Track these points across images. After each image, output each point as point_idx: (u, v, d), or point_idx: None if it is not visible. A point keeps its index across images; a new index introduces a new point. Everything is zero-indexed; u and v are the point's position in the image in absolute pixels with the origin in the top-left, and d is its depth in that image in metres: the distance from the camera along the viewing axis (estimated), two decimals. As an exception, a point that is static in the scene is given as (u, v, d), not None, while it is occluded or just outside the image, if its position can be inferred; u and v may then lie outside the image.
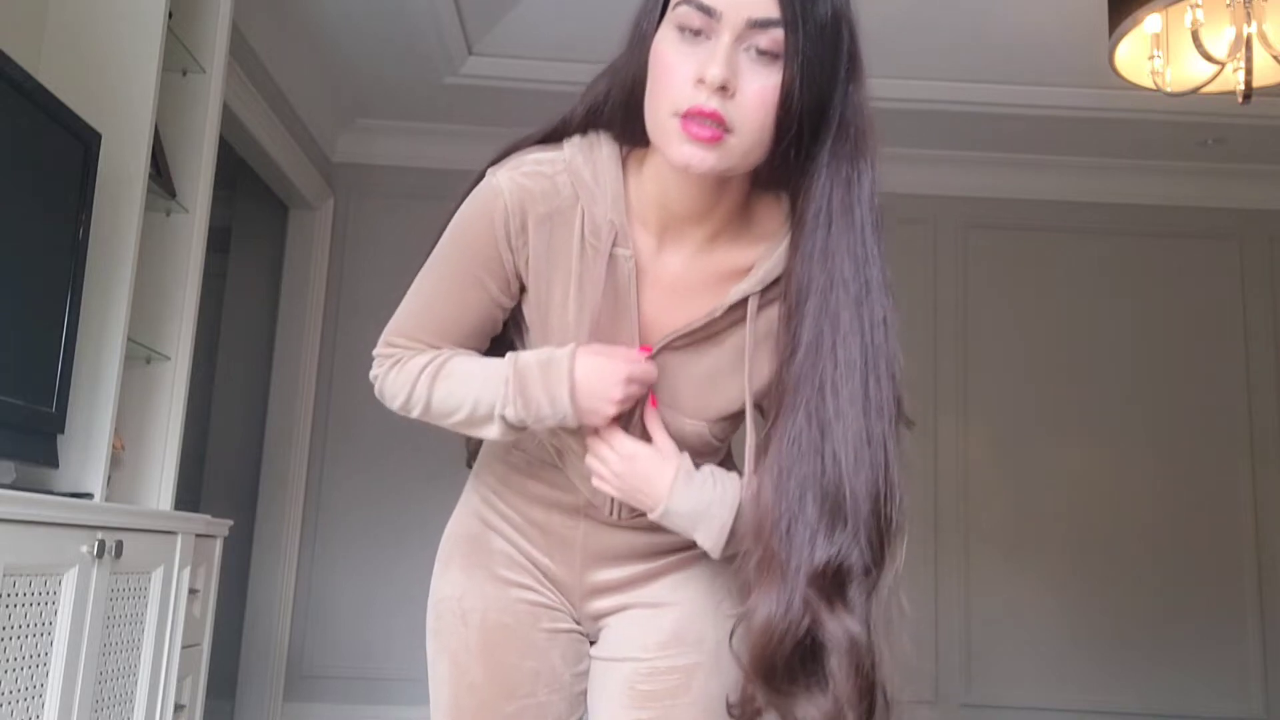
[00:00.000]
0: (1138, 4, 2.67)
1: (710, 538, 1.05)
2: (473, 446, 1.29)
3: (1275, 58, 2.60)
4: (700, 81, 0.94)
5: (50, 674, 1.88)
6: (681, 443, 1.08)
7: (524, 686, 1.15)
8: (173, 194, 2.66)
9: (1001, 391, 4.50)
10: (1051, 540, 4.38)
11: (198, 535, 2.53)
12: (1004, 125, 4.28)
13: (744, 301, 1.06)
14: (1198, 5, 2.54)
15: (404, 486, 4.36)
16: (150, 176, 2.49)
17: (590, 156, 1.09)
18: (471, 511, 1.22)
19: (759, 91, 0.95)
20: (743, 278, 1.07)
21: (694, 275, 1.08)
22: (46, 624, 1.86)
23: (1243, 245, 4.61)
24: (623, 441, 1.06)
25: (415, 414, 1.14)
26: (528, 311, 1.13)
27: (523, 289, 1.12)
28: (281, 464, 4.33)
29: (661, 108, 0.97)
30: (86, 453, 2.33)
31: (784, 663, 0.97)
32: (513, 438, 1.10)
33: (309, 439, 4.37)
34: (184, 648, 2.48)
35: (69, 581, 1.92)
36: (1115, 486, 4.42)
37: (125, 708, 2.21)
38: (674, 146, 0.96)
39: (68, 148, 2.18)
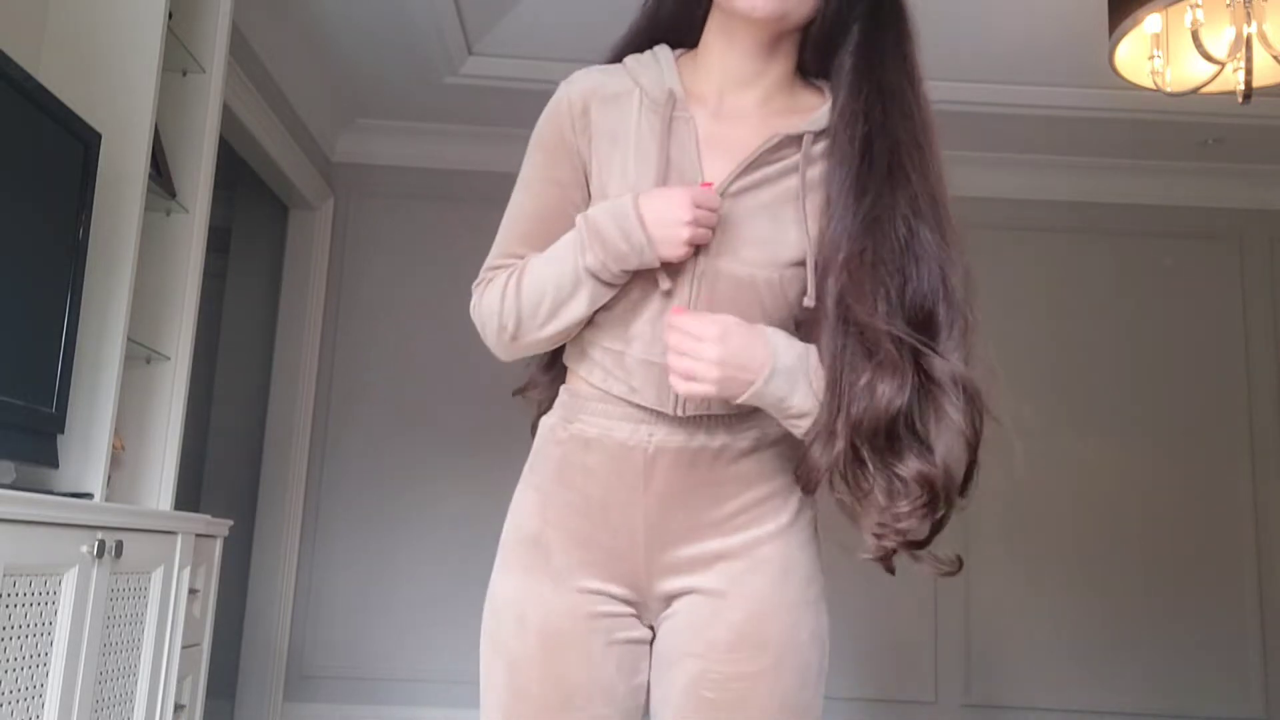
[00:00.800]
0: (1138, 4, 2.67)
1: (809, 395, 1.07)
2: (532, 375, 1.32)
3: (1275, 58, 2.60)
4: None
5: (50, 674, 1.88)
6: (749, 298, 1.12)
7: (579, 698, 1.13)
8: (173, 194, 2.66)
9: (1001, 391, 4.49)
10: (1051, 541, 4.38)
11: (198, 535, 2.53)
12: (1004, 125, 4.27)
13: (798, 140, 1.13)
14: (1198, 5, 2.54)
15: (404, 486, 4.37)
16: (150, 176, 2.49)
17: (645, 58, 1.20)
18: (529, 510, 1.20)
19: None
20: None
21: (752, 140, 1.14)
22: (46, 624, 1.86)
23: (1243, 245, 4.61)
24: (704, 320, 1.07)
25: (510, 327, 1.17)
26: (593, 193, 1.19)
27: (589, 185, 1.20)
28: (281, 464, 4.33)
29: None
30: (86, 453, 2.33)
31: (894, 424, 1.03)
32: (604, 298, 1.12)
33: (309, 439, 4.37)
34: (184, 648, 2.48)
35: (69, 581, 1.92)
36: (1115, 487, 4.42)
37: (125, 708, 2.21)
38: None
39: (68, 148, 2.18)
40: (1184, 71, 2.76)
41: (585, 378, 1.19)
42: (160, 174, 2.62)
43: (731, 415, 1.14)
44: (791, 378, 1.06)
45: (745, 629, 1.12)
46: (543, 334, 1.16)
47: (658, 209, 1.08)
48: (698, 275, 1.12)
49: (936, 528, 1.05)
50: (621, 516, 1.15)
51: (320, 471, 4.37)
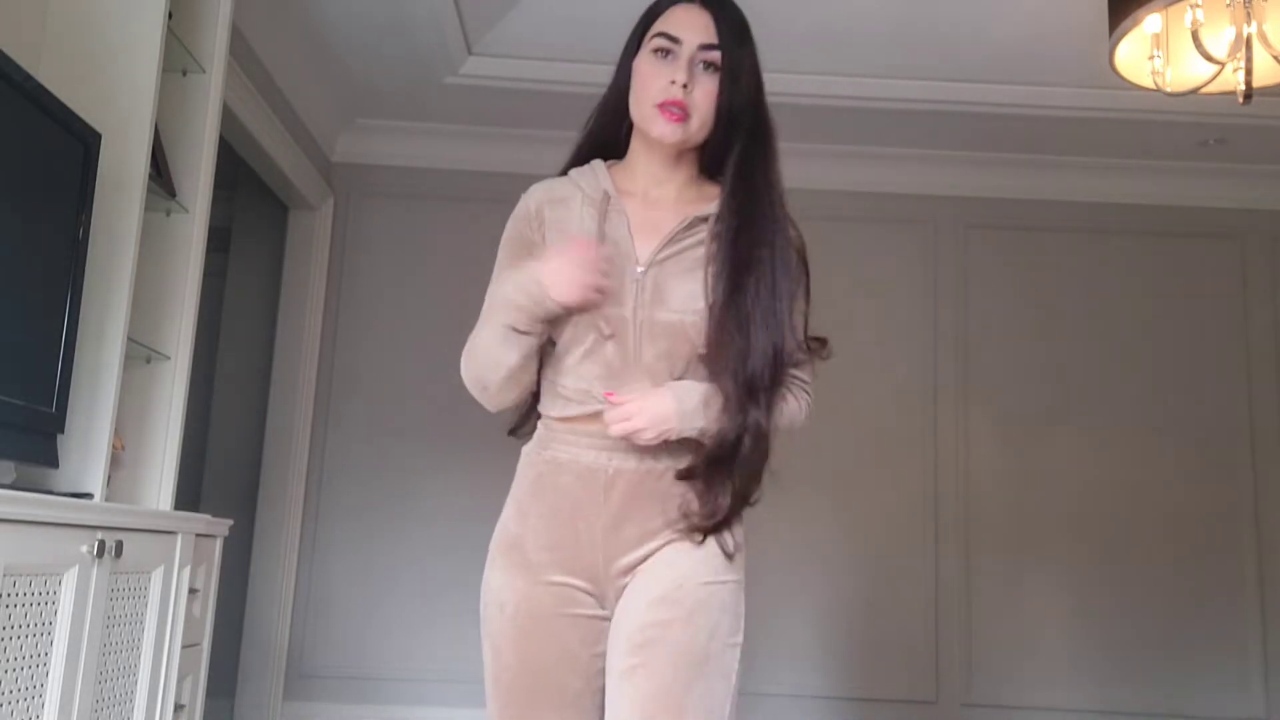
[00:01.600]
0: (1138, 4, 2.67)
1: (711, 422, 1.42)
2: (516, 419, 1.60)
3: (1275, 58, 2.59)
4: (671, 83, 1.45)
5: (50, 674, 1.89)
6: (680, 337, 1.45)
7: (547, 666, 1.44)
8: (173, 194, 2.66)
9: (1001, 391, 4.50)
10: (1052, 540, 4.38)
11: (198, 535, 2.53)
12: (1004, 125, 4.28)
13: (705, 219, 1.50)
14: (1198, 5, 2.54)
15: (404, 486, 4.37)
16: (150, 176, 2.49)
17: (585, 169, 1.56)
18: (511, 518, 1.51)
19: (707, 89, 1.46)
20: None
21: (671, 222, 1.50)
22: (46, 624, 1.86)
23: (1244, 245, 4.61)
24: (625, 403, 1.42)
25: (480, 383, 1.50)
26: None
27: None
28: (281, 464, 4.33)
29: (645, 101, 1.47)
30: (86, 453, 2.33)
31: (729, 450, 1.44)
32: (528, 345, 1.44)
33: (309, 439, 4.37)
34: (184, 647, 2.49)
35: (69, 581, 1.92)
36: (1115, 486, 4.42)
37: (125, 708, 2.21)
38: (656, 125, 1.46)
39: (68, 148, 2.18)
40: (1184, 71, 2.76)
41: (557, 414, 1.49)
42: (160, 174, 2.62)
43: (673, 442, 1.45)
44: (694, 417, 1.42)
45: (667, 590, 1.42)
46: (499, 382, 1.47)
47: (549, 266, 1.39)
48: (638, 324, 1.45)
49: (724, 524, 1.45)
50: (585, 524, 1.45)
51: (320, 471, 4.37)
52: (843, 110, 4.11)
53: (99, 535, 2.00)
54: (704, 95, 1.45)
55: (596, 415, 1.45)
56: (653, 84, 1.46)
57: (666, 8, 1.50)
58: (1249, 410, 4.48)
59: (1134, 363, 4.52)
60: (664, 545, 1.44)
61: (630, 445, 1.43)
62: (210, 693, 2.85)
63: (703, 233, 1.48)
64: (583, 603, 1.45)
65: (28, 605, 1.79)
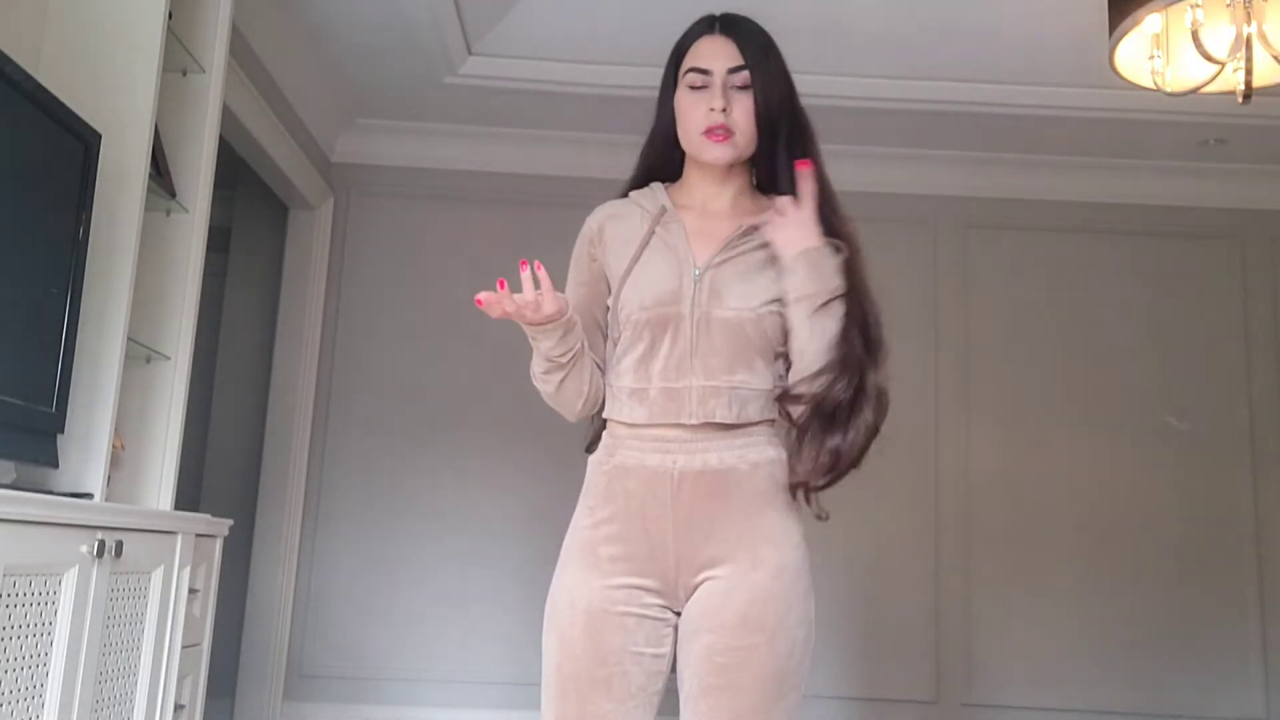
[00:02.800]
0: (1138, 4, 2.67)
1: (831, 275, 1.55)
2: (590, 436, 1.69)
3: (1275, 58, 2.59)
4: (711, 110, 1.58)
5: (50, 674, 1.89)
6: (738, 333, 1.55)
7: (613, 657, 1.51)
8: (173, 194, 2.66)
9: (1002, 392, 4.50)
10: (1051, 541, 4.38)
11: (198, 535, 2.53)
12: (1004, 125, 4.28)
13: (757, 227, 1.60)
14: (1198, 5, 2.54)
15: (404, 486, 4.37)
16: (150, 176, 2.49)
17: (645, 190, 1.69)
18: (583, 524, 1.59)
19: (744, 107, 1.59)
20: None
21: (727, 230, 1.63)
22: (46, 624, 1.86)
23: (1244, 245, 4.61)
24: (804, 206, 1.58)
25: (549, 400, 1.65)
26: (613, 285, 1.65)
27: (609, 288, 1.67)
28: (281, 464, 4.33)
29: (692, 132, 1.61)
30: (86, 453, 2.33)
31: (836, 409, 1.52)
32: (558, 373, 1.57)
33: (309, 439, 4.37)
34: (184, 647, 2.49)
35: (69, 581, 1.92)
36: (1114, 486, 4.42)
37: (125, 708, 2.21)
38: (706, 151, 1.60)
39: (68, 148, 2.18)
40: (1184, 71, 2.75)
41: (619, 419, 1.58)
42: (160, 174, 2.62)
43: (727, 428, 1.54)
44: (828, 269, 1.55)
45: (748, 612, 1.49)
46: (563, 401, 1.62)
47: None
48: (695, 321, 1.55)
49: (830, 483, 1.54)
50: (656, 527, 1.53)
51: (320, 471, 4.37)
52: (843, 110, 4.11)
53: (99, 535, 2.00)
54: (743, 114, 1.58)
55: (657, 422, 1.56)
56: (695, 115, 1.59)
57: (692, 43, 1.64)
58: (1249, 410, 4.48)
59: (1134, 362, 4.51)
60: (737, 551, 1.51)
61: (694, 448, 1.53)
62: (210, 693, 2.85)
63: (758, 240, 1.59)
64: (651, 604, 1.53)
65: (28, 605, 1.79)
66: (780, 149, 1.61)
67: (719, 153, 1.58)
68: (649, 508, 1.53)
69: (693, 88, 1.60)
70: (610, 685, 1.50)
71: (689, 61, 1.63)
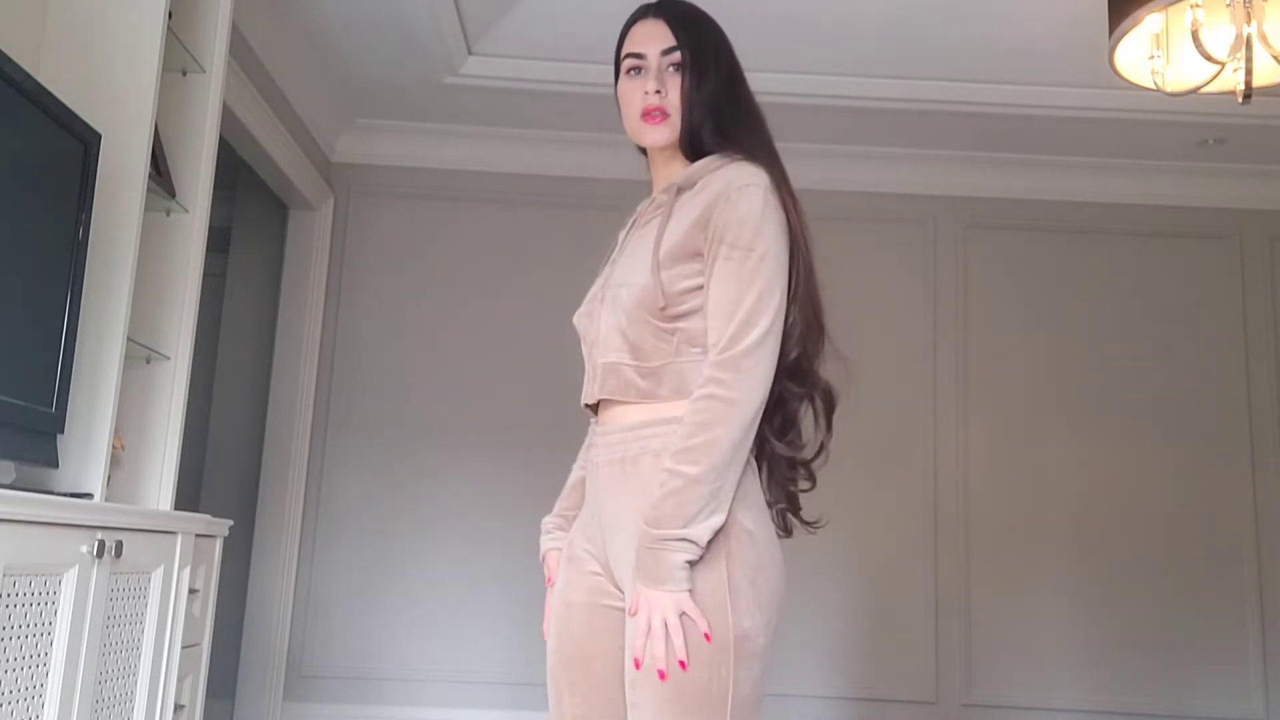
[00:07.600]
0: (1138, 4, 2.67)
1: (719, 506, 1.45)
2: None
3: (1275, 58, 2.59)
4: (645, 93, 1.58)
5: (50, 674, 1.88)
6: (619, 308, 1.51)
7: (579, 647, 1.54)
8: (173, 194, 2.66)
9: (1001, 391, 4.50)
10: (1051, 540, 4.38)
11: (198, 535, 2.53)
12: (1004, 125, 4.28)
13: (669, 190, 1.59)
14: (1198, 5, 2.54)
15: (404, 486, 4.37)
16: (150, 176, 2.49)
17: None
18: (574, 530, 1.63)
19: (677, 87, 1.58)
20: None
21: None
22: (46, 624, 1.86)
23: (1243, 245, 4.61)
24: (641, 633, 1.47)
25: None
26: None
27: None
28: (281, 464, 4.33)
29: (632, 118, 1.61)
30: (86, 453, 2.33)
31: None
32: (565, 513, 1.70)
33: (309, 439, 4.37)
34: (184, 648, 2.48)
35: (69, 581, 1.92)
36: (1114, 486, 4.42)
37: (125, 708, 2.21)
38: (643, 134, 1.61)
39: (68, 148, 2.18)
40: (1184, 71, 2.75)
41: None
42: (160, 174, 2.62)
43: (618, 403, 1.52)
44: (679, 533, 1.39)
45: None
46: None
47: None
48: (601, 299, 1.57)
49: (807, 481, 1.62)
50: (594, 518, 1.55)
51: (320, 471, 4.37)
52: (843, 110, 4.11)
53: (99, 535, 2.00)
54: (676, 94, 1.58)
55: (597, 406, 1.57)
56: (632, 100, 1.61)
57: (627, 31, 1.64)
58: (1248, 410, 4.48)
59: (1133, 362, 4.52)
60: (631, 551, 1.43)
61: (604, 438, 1.54)
62: (210, 693, 2.85)
63: (665, 205, 1.57)
64: (610, 594, 1.53)
65: (28, 605, 1.79)
66: (712, 125, 1.57)
67: (656, 135, 1.58)
68: (591, 499, 1.59)
69: (629, 72, 1.61)
70: (580, 674, 1.53)
71: (625, 48, 1.63)
